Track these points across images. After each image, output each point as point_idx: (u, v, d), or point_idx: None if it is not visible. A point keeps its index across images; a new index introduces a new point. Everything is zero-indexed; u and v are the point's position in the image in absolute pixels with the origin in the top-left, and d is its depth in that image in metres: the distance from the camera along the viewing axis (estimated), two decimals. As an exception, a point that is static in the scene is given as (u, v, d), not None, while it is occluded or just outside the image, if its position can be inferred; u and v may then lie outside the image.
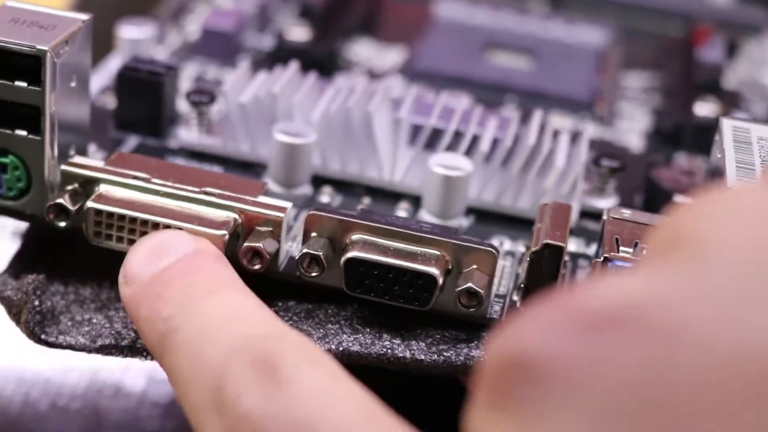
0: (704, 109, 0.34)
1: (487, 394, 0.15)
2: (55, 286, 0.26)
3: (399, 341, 0.24)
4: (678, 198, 0.28)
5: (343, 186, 0.29)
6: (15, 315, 0.25)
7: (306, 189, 0.28)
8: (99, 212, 0.24)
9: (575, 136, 0.30)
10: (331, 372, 0.19)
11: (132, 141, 0.30)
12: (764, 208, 0.15)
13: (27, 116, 0.25)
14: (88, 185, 0.25)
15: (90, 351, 0.25)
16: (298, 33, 0.36)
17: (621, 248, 0.24)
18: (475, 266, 0.24)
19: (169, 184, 0.25)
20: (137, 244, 0.23)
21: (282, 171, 0.28)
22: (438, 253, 0.24)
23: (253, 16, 0.37)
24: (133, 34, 0.34)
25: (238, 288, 0.22)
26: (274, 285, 0.25)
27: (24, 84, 0.25)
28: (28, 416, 0.31)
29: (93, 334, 0.25)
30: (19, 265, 0.26)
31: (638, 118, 0.36)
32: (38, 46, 0.24)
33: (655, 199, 0.29)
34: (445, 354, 0.24)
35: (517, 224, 0.28)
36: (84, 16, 0.26)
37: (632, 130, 0.35)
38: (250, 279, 0.23)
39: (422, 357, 0.24)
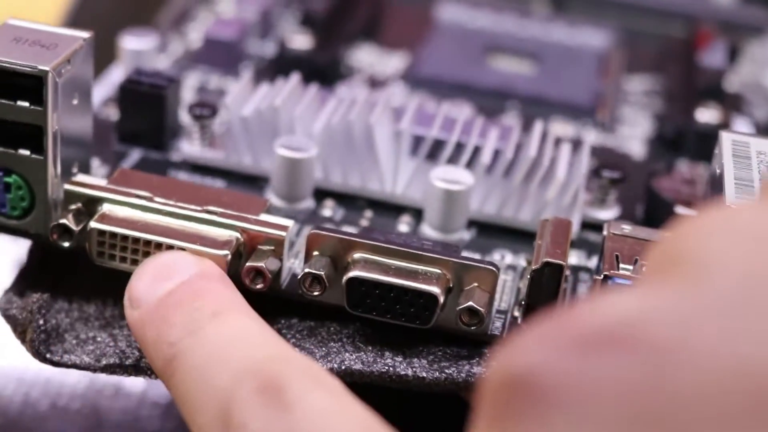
0: (706, 115, 0.34)
1: (488, 411, 0.15)
2: (60, 303, 0.26)
3: (401, 359, 0.24)
4: (678, 209, 0.28)
5: (345, 199, 0.29)
6: (20, 333, 0.25)
7: (308, 203, 0.29)
8: (102, 233, 0.25)
9: (577, 145, 0.31)
10: (335, 392, 0.19)
11: (135, 154, 0.30)
12: (762, 226, 0.15)
13: (30, 135, 0.25)
14: (91, 204, 0.25)
15: (95, 370, 0.25)
16: (300, 41, 0.36)
17: (621, 265, 0.24)
18: (476, 284, 0.24)
19: (172, 203, 0.25)
20: (141, 267, 0.23)
21: (284, 185, 0.28)
22: (439, 271, 0.24)
23: (255, 23, 0.37)
24: (135, 45, 0.34)
25: (242, 310, 0.22)
26: (276, 302, 0.25)
27: (26, 104, 0.25)
28: (28, 416, 0.32)
29: (97, 353, 0.25)
30: (24, 283, 0.26)
31: (640, 123, 0.36)
32: (40, 67, 0.25)
33: (656, 210, 0.29)
34: (446, 371, 0.24)
35: (519, 237, 0.28)
36: (85, 34, 0.26)
37: (634, 136, 0.35)
38: (252, 296, 0.23)
39: (424, 374, 0.24)
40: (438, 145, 0.29)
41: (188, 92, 0.34)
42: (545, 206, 0.28)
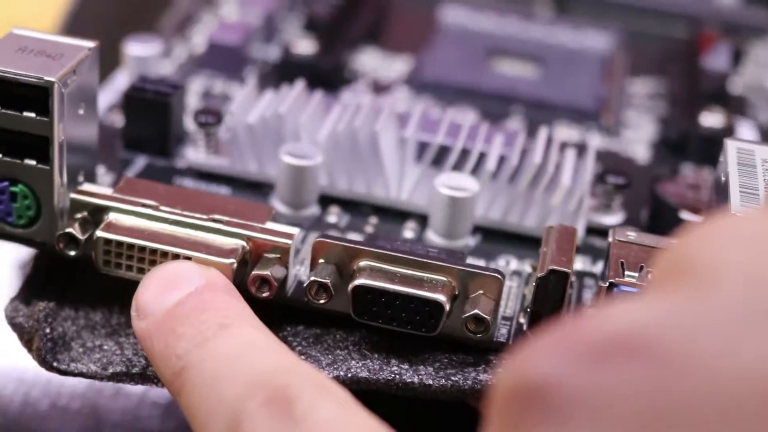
0: (710, 119, 0.34)
1: (499, 421, 0.15)
2: (66, 311, 0.26)
3: (407, 366, 0.24)
4: (683, 213, 0.28)
5: (350, 205, 0.29)
6: (27, 342, 0.25)
7: (313, 209, 0.29)
8: (108, 241, 0.25)
9: (581, 150, 0.31)
10: (343, 403, 0.19)
11: (140, 162, 0.30)
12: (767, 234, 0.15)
13: (36, 146, 0.25)
14: (97, 213, 0.25)
15: (102, 378, 0.25)
16: (304, 45, 0.36)
17: (626, 272, 0.24)
18: (481, 291, 0.24)
19: (177, 211, 0.25)
20: (148, 277, 0.24)
21: (289, 192, 0.28)
22: (444, 279, 0.24)
23: (259, 28, 0.37)
24: (140, 51, 0.34)
25: (249, 321, 0.22)
26: (282, 310, 0.25)
27: (32, 114, 0.25)
28: (28, 416, 0.32)
29: (104, 362, 0.25)
30: (30, 291, 0.26)
31: (644, 126, 0.36)
32: (46, 78, 0.25)
33: (661, 215, 0.29)
34: (453, 378, 0.24)
35: (524, 243, 0.28)
36: (90, 44, 0.26)
37: (638, 140, 0.35)
38: (258, 304, 0.23)
39: (430, 382, 0.24)
40: (443, 152, 0.29)
41: (192, 97, 0.34)
42: (550, 212, 0.28)
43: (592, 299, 0.26)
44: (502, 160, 0.29)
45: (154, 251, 0.25)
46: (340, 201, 0.29)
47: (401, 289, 0.24)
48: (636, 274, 0.24)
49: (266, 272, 0.24)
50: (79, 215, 0.25)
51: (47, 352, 0.25)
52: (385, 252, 0.24)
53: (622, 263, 0.24)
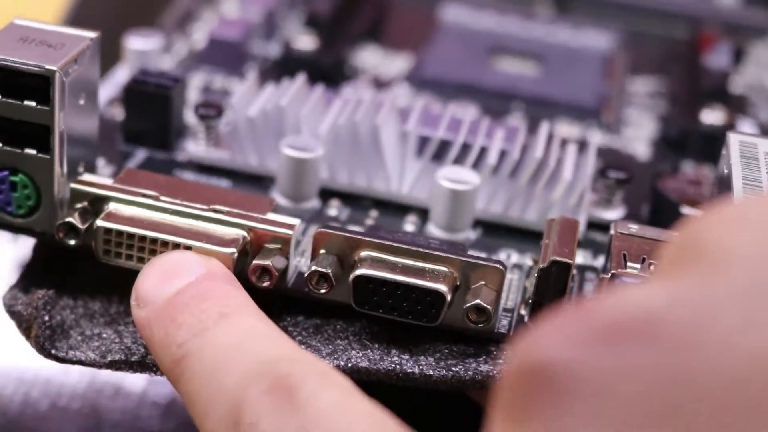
0: (711, 116, 0.34)
1: (508, 405, 0.15)
2: (65, 300, 0.26)
3: (407, 357, 0.24)
4: (684, 209, 0.28)
5: (350, 199, 0.29)
6: (25, 330, 0.25)
7: (314, 202, 0.29)
8: (108, 231, 0.25)
9: (582, 146, 0.31)
10: (345, 391, 0.19)
11: (140, 154, 0.30)
12: None
13: (36, 135, 0.25)
14: (97, 203, 0.25)
15: (100, 366, 0.25)
16: (305, 41, 0.36)
17: (629, 264, 0.24)
18: (482, 282, 0.24)
19: (178, 201, 0.25)
20: (148, 266, 0.23)
21: (290, 185, 0.28)
22: (446, 269, 0.24)
23: (259, 24, 0.37)
24: (140, 45, 0.34)
25: (250, 310, 0.22)
26: (282, 301, 0.25)
27: (33, 103, 0.25)
28: (28, 416, 0.32)
29: (103, 350, 0.25)
30: (29, 279, 0.26)
31: (645, 124, 0.36)
32: (47, 66, 0.25)
33: (662, 211, 0.29)
34: (453, 369, 0.24)
35: (525, 236, 0.28)
36: (92, 34, 0.26)
37: (639, 137, 0.35)
38: (258, 295, 0.23)
39: (431, 372, 0.24)
40: (444, 146, 0.29)
41: (193, 92, 0.34)
42: (551, 206, 0.28)
43: (593, 292, 0.26)
44: (503, 154, 0.29)
45: (154, 241, 0.24)
46: (340, 194, 0.29)
47: (403, 278, 0.24)
48: (638, 266, 0.24)
49: (267, 262, 0.24)
50: (79, 205, 0.25)
51: (45, 339, 0.25)
52: (386, 242, 0.24)
53: (624, 255, 0.24)
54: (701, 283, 0.15)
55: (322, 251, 0.24)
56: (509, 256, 0.28)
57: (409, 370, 0.24)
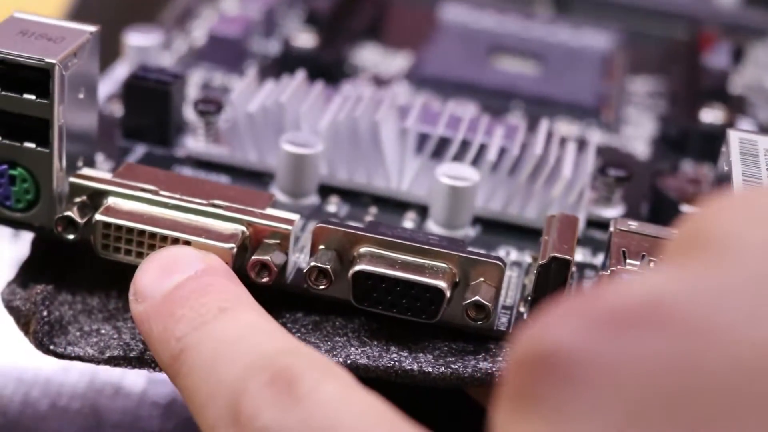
0: (710, 115, 0.34)
1: (513, 391, 0.15)
2: (63, 295, 0.26)
3: (406, 354, 0.24)
4: (684, 207, 0.28)
5: (350, 195, 0.29)
6: (24, 325, 0.25)
7: (313, 199, 0.29)
8: (107, 225, 0.24)
9: (582, 144, 0.30)
10: (346, 384, 0.19)
11: (139, 150, 0.30)
12: None
13: (35, 128, 0.25)
14: (96, 197, 0.25)
15: (98, 362, 0.25)
16: (305, 39, 0.36)
17: (628, 261, 0.24)
18: (482, 279, 0.24)
19: (177, 196, 0.25)
20: (146, 261, 0.23)
21: (289, 181, 0.28)
22: (445, 266, 0.24)
23: (259, 21, 0.37)
24: (140, 42, 0.34)
25: (249, 305, 0.22)
26: (281, 297, 0.25)
27: (32, 97, 0.25)
28: (28, 416, 0.31)
29: (101, 345, 0.25)
30: (27, 274, 0.26)
31: (644, 124, 0.36)
32: (47, 59, 0.24)
33: (662, 209, 0.29)
34: (452, 366, 0.24)
35: (524, 234, 0.28)
36: (92, 28, 0.26)
37: (638, 136, 0.35)
38: (257, 290, 0.23)
39: (430, 369, 0.24)
40: (443, 143, 0.29)
41: (192, 90, 0.34)
42: (551, 204, 0.28)
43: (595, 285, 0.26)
44: (502, 151, 0.29)
45: (153, 235, 0.24)
46: (340, 191, 0.29)
47: (402, 275, 0.24)
48: (637, 263, 0.24)
49: (266, 257, 0.24)
50: (78, 199, 0.25)
51: (44, 335, 0.24)
52: (385, 238, 0.24)
53: (623, 252, 0.24)
54: (708, 270, 0.15)
55: (322, 247, 0.24)
56: (508, 253, 0.28)
57: (408, 368, 0.24)
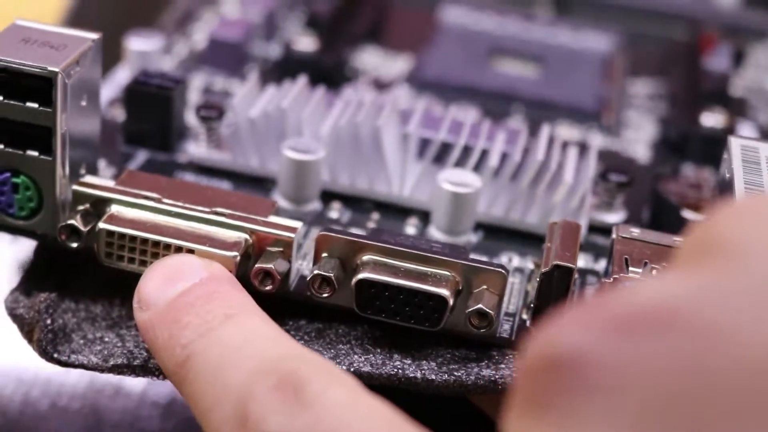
0: (711, 119, 0.34)
1: (525, 397, 0.15)
2: (67, 303, 0.26)
3: (410, 361, 0.24)
4: (685, 212, 0.28)
5: (352, 201, 0.29)
6: (27, 333, 0.25)
7: (315, 205, 0.29)
8: (111, 233, 0.24)
9: (583, 149, 0.31)
10: (353, 388, 0.19)
11: (141, 156, 0.30)
12: None
13: (38, 136, 0.25)
14: (99, 205, 0.25)
15: (102, 370, 0.25)
16: (305, 43, 0.36)
17: (630, 268, 0.24)
18: (485, 286, 0.24)
19: (180, 204, 0.25)
20: (150, 269, 0.23)
21: (291, 187, 0.28)
22: (448, 273, 0.24)
23: (259, 25, 0.37)
24: (141, 46, 0.34)
25: (254, 311, 0.22)
26: (284, 304, 0.25)
27: (35, 105, 0.25)
28: (28, 416, 0.32)
29: (105, 354, 0.25)
30: (31, 282, 0.26)
31: (645, 127, 0.36)
32: (49, 68, 0.24)
33: (663, 214, 0.29)
34: (455, 374, 0.24)
35: (526, 239, 0.28)
36: (94, 35, 0.26)
37: (639, 140, 0.35)
38: (261, 298, 0.23)
39: (433, 377, 0.24)
40: (445, 148, 0.29)
41: (193, 93, 0.34)
42: (552, 209, 0.28)
43: (596, 293, 0.26)
44: (504, 157, 0.29)
45: (156, 243, 0.24)
46: (341, 197, 0.29)
47: (405, 283, 0.24)
48: (640, 270, 0.24)
49: (269, 265, 0.24)
50: (81, 207, 0.25)
51: (48, 343, 0.24)
52: (388, 246, 0.24)
53: (626, 259, 0.24)
54: (716, 275, 0.15)
55: (325, 255, 0.24)
56: (510, 259, 0.28)
57: (412, 375, 0.24)
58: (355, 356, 0.24)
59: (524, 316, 0.25)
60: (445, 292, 0.23)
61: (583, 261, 0.28)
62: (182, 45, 0.37)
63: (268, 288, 0.24)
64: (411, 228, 0.28)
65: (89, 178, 0.26)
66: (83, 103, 0.26)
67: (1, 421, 0.31)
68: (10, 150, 0.25)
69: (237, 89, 0.34)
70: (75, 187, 0.25)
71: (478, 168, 0.29)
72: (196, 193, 0.26)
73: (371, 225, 0.28)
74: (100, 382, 0.33)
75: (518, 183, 0.28)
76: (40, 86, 0.25)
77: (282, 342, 0.21)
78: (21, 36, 0.26)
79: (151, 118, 0.30)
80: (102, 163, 0.29)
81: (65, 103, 0.25)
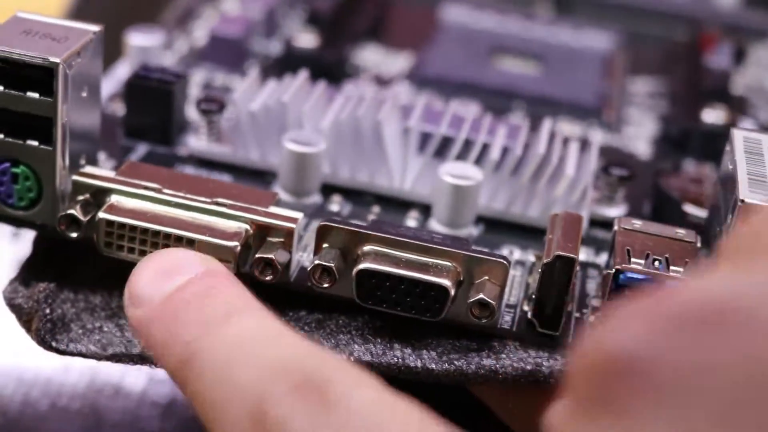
0: (712, 115, 0.34)
1: (581, 396, 0.15)
2: (65, 293, 0.26)
3: (410, 351, 0.24)
4: (686, 206, 0.28)
5: (352, 194, 0.29)
6: (26, 323, 0.25)
7: (316, 198, 0.29)
8: (110, 223, 0.24)
9: (584, 144, 0.31)
10: (379, 389, 0.18)
11: (141, 149, 0.30)
12: None
13: (39, 127, 0.25)
14: (99, 195, 0.25)
15: (100, 359, 0.25)
16: (306, 39, 0.36)
17: (632, 259, 0.24)
18: (486, 277, 0.24)
19: (181, 194, 0.25)
20: (142, 264, 0.22)
21: (292, 180, 0.28)
22: (450, 264, 0.24)
23: (260, 22, 0.37)
24: (142, 41, 0.34)
25: (258, 308, 0.21)
26: (284, 295, 0.25)
27: (36, 95, 0.25)
28: (28, 416, 0.31)
29: (104, 342, 0.25)
30: (30, 273, 0.26)
31: (645, 124, 0.36)
32: (51, 59, 0.24)
33: (664, 208, 0.29)
34: (456, 363, 0.24)
35: (527, 233, 0.28)
36: (95, 28, 0.26)
37: (640, 136, 0.35)
38: (259, 289, 0.23)
39: (433, 366, 0.24)
40: (446, 143, 0.29)
41: (194, 90, 0.34)
42: (554, 203, 0.28)
43: (596, 289, 0.26)
44: (505, 151, 0.29)
45: (156, 233, 0.24)
46: (342, 190, 0.29)
47: (406, 273, 0.23)
48: (642, 261, 0.24)
49: (270, 255, 0.24)
50: (81, 197, 0.25)
51: (46, 332, 0.24)
52: (390, 236, 0.24)
53: (628, 250, 0.24)
54: None
55: (325, 245, 0.24)
56: (512, 252, 0.28)
57: (412, 364, 0.24)
58: (356, 346, 0.24)
59: (525, 308, 0.25)
60: (446, 282, 0.23)
61: (584, 255, 0.28)
62: (183, 41, 0.37)
63: (268, 278, 0.24)
64: (412, 221, 0.28)
65: (89, 169, 0.26)
66: (84, 95, 0.26)
67: (1, 421, 0.31)
68: (11, 140, 0.25)
69: (237, 85, 0.34)
70: (75, 177, 0.25)
71: (479, 162, 0.29)
72: (196, 184, 0.26)
73: (372, 218, 0.28)
74: (100, 382, 0.33)
75: (519, 177, 0.28)
76: (41, 77, 0.25)
77: (293, 340, 0.20)
78: (22, 28, 0.26)
79: (152, 112, 0.30)
80: (102, 156, 0.29)
81: (66, 94, 0.25)
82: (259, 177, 0.29)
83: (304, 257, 0.26)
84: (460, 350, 0.24)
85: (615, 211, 0.29)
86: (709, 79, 0.36)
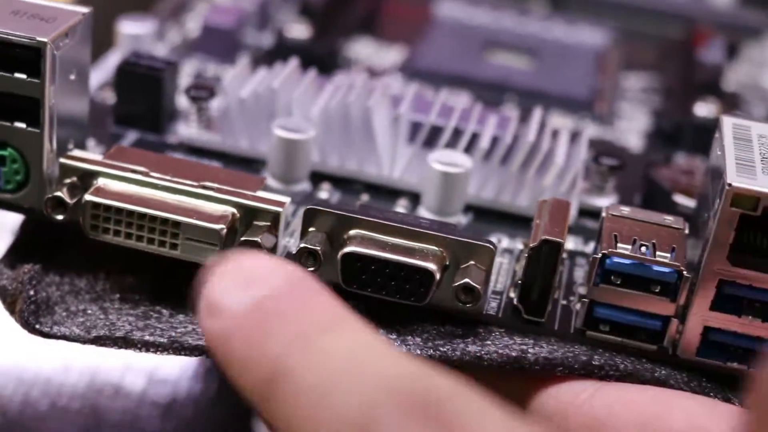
0: (704, 109, 0.34)
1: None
2: (51, 276, 0.26)
3: (395, 336, 0.24)
4: (677, 197, 0.28)
5: (341, 182, 0.29)
6: (9, 304, 0.25)
7: (304, 185, 0.28)
8: (97, 205, 0.24)
9: (575, 136, 0.30)
10: (499, 408, 0.17)
11: (131, 136, 0.30)
12: None
13: (26, 109, 0.25)
14: (86, 178, 0.25)
15: (84, 342, 0.24)
16: (298, 31, 0.36)
17: (619, 245, 0.23)
18: (472, 262, 0.24)
19: (168, 177, 0.25)
20: (217, 270, 0.20)
21: (281, 167, 0.28)
22: (436, 248, 0.24)
23: (253, 13, 0.37)
24: (133, 30, 0.34)
25: (355, 321, 0.19)
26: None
27: (23, 76, 0.25)
28: (28, 416, 0.31)
29: (87, 325, 0.25)
30: (15, 255, 0.26)
31: (638, 118, 0.36)
32: (38, 38, 0.24)
33: (654, 198, 0.29)
34: (441, 349, 0.24)
35: (516, 222, 0.28)
36: (84, 9, 0.26)
37: (632, 129, 0.35)
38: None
39: (418, 352, 0.24)
40: (436, 132, 0.29)
41: (185, 80, 0.34)
42: (543, 192, 0.28)
43: (583, 277, 0.26)
44: (495, 140, 0.29)
45: (142, 216, 0.24)
46: (331, 178, 0.29)
47: (391, 257, 0.23)
48: (629, 247, 0.23)
49: (256, 238, 0.24)
50: (68, 180, 0.25)
51: (30, 314, 0.24)
52: (376, 221, 0.24)
53: (615, 236, 0.24)
54: None
55: (312, 229, 0.24)
56: (500, 240, 0.28)
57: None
58: (341, 331, 0.24)
59: (512, 295, 0.25)
60: (431, 266, 0.23)
61: (572, 243, 0.28)
62: (175, 32, 0.37)
63: (254, 261, 0.24)
64: (401, 209, 0.28)
65: (77, 152, 0.26)
66: (72, 78, 0.26)
67: (1, 421, 0.31)
68: (-2, 122, 0.25)
69: (228, 71, 0.34)
70: (62, 160, 0.25)
71: (468, 151, 0.29)
72: (184, 168, 0.25)
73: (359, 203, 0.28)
74: (100, 382, 0.33)
75: (509, 165, 0.28)
76: (29, 57, 0.25)
77: (398, 357, 0.18)
78: (10, 8, 0.26)
79: (142, 99, 0.30)
80: (91, 143, 0.29)
81: (54, 75, 0.25)
82: (249, 164, 0.29)
83: (291, 243, 0.26)
84: (445, 336, 0.24)
85: (605, 201, 0.29)
86: (701, 73, 0.36)
